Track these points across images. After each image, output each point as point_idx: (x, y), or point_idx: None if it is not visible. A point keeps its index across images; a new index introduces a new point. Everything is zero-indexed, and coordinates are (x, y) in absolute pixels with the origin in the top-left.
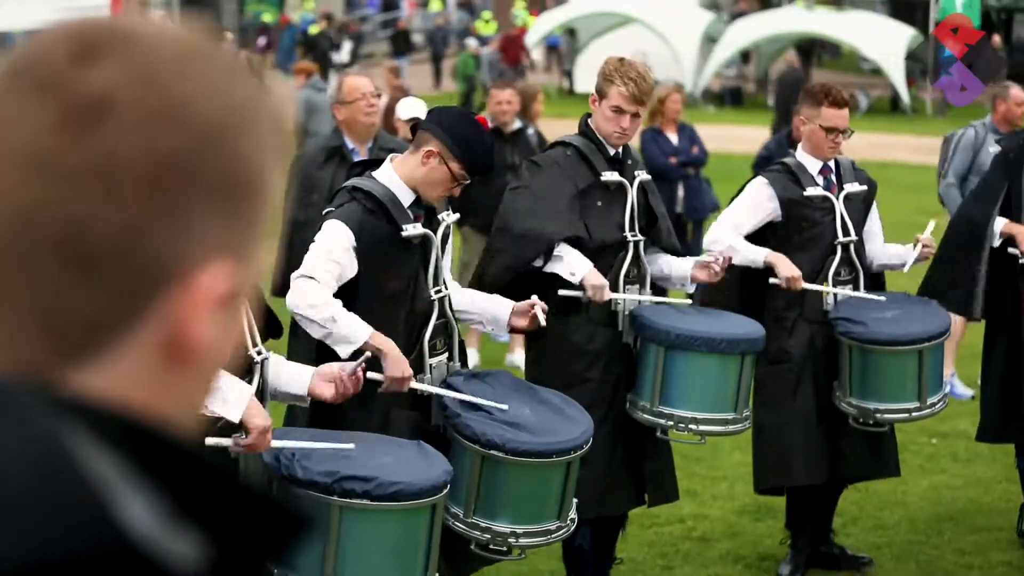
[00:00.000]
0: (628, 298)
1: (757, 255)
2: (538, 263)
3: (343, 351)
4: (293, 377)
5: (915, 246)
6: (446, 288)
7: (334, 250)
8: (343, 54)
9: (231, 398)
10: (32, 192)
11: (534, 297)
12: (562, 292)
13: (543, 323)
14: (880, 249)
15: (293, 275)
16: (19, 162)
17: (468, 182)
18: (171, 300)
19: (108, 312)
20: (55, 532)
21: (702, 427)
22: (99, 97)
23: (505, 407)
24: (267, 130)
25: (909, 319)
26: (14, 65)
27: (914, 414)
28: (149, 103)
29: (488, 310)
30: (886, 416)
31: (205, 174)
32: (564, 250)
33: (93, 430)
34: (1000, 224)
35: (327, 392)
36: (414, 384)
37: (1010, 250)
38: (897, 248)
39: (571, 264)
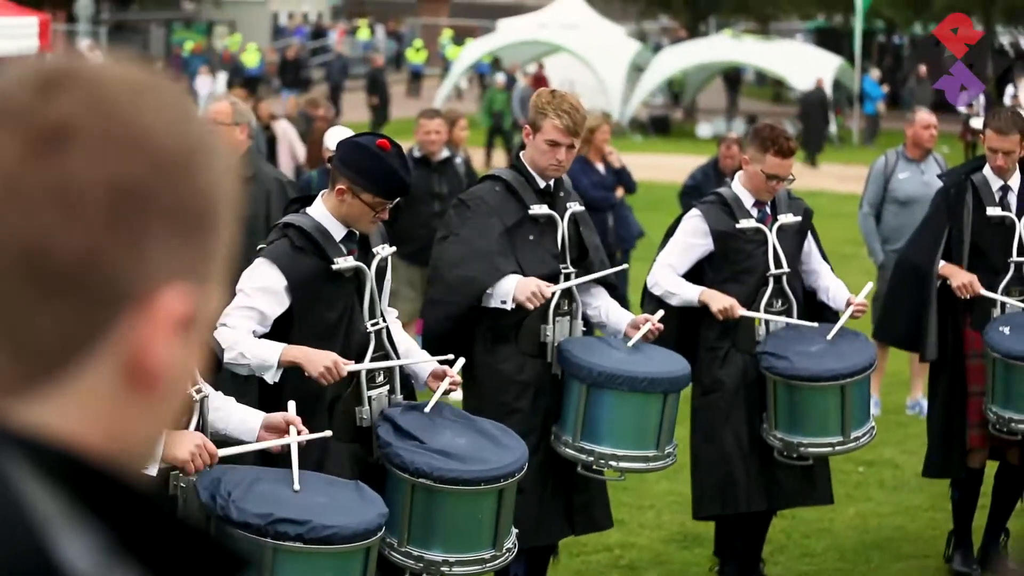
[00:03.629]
0: (571, 284)
1: (692, 295)
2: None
3: (268, 377)
4: (243, 423)
5: (847, 307)
6: (384, 321)
7: (252, 293)
8: (218, 84)
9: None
10: None
11: (454, 368)
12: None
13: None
14: (826, 280)
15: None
16: None
17: (393, 204)
18: (131, 322)
19: (71, 334)
20: None
21: (623, 464)
22: (60, 125)
23: (451, 356)
24: (221, 161)
25: (833, 354)
26: None
27: (837, 448)
28: (109, 131)
29: (410, 367)
30: (810, 450)
31: (163, 200)
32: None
33: (36, 464)
34: (939, 267)
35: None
36: (349, 367)
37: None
38: (838, 293)
39: (501, 293)
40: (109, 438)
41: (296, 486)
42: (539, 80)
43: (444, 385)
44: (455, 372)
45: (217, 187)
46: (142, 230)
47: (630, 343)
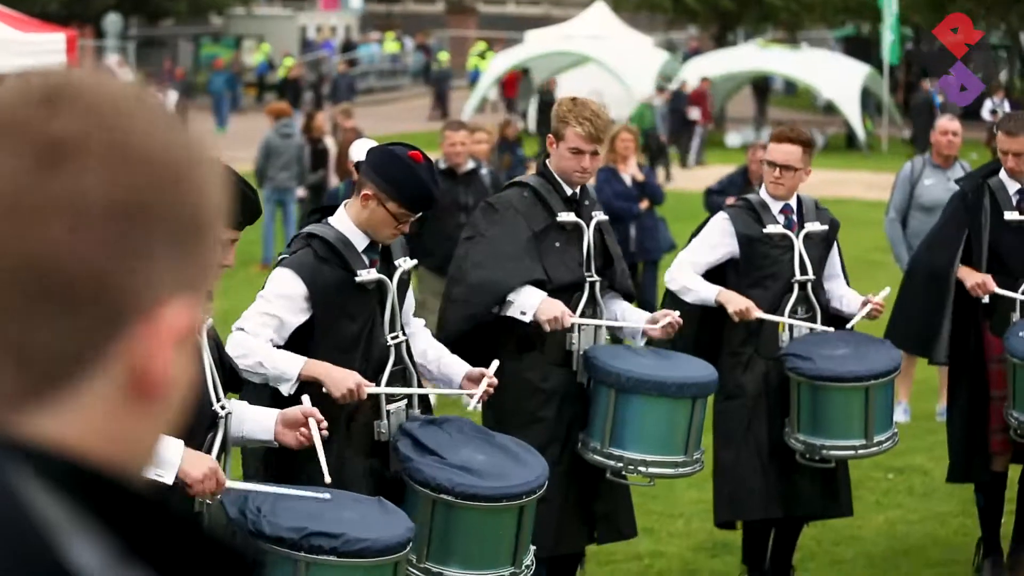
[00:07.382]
0: (589, 323)
1: (709, 294)
2: (496, 309)
3: (284, 389)
4: (258, 423)
5: (864, 305)
6: (403, 335)
7: (273, 300)
8: (169, 102)
9: (164, 459)
10: (1, 229)
11: (490, 370)
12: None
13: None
14: (840, 290)
15: (233, 325)
16: None
17: (417, 217)
18: (135, 335)
19: (76, 346)
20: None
21: (652, 469)
22: (65, 139)
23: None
24: (211, 172)
25: (858, 357)
26: None
27: (860, 451)
28: (111, 146)
29: (442, 371)
30: (832, 452)
31: (163, 211)
32: (516, 291)
33: (41, 473)
34: (957, 270)
35: (290, 440)
36: (370, 390)
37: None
38: (853, 299)
39: (522, 303)
40: (111, 446)
41: (327, 479)
42: (700, 96)
43: (483, 386)
44: (491, 372)
45: (209, 198)
46: (146, 244)
47: (652, 315)
